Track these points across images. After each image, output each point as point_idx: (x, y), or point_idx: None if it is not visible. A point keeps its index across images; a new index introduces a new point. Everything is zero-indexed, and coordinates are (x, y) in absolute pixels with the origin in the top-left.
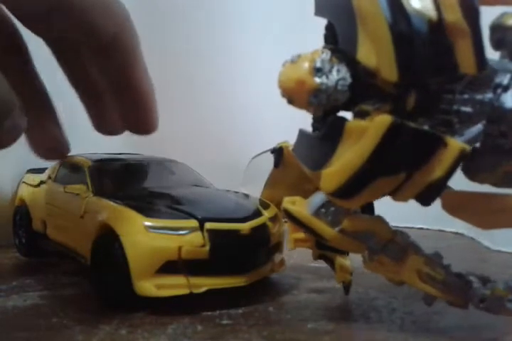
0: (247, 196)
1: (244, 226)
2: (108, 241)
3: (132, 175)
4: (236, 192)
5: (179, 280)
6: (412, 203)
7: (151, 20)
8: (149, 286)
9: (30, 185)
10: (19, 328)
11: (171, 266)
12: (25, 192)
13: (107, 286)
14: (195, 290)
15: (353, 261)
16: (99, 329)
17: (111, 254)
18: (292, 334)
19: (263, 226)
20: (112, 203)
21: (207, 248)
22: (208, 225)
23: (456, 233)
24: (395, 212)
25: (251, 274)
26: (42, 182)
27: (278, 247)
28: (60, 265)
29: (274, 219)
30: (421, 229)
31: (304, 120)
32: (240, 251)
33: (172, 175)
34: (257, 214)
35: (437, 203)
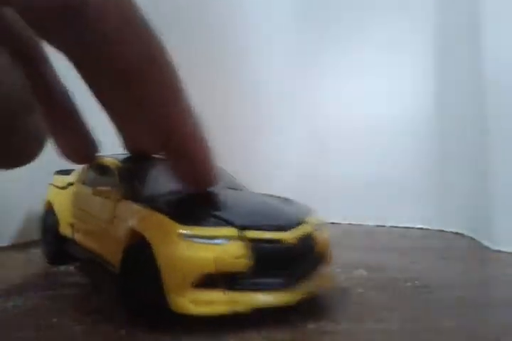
0: (287, 200)
1: (289, 236)
2: (139, 250)
3: (164, 177)
4: (275, 196)
5: (217, 295)
6: (413, 203)
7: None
8: (185, 302)
9: (58, 187)
10: (19, 328)
11: (209, 280)
12: (52, 194)
13: (137, 299)
14: (236, 308)
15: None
16: (99, 329)
17: (142, 265)
18: (292, 334)
19: (308, 235)
20: (143, 208)
21: (246, 259)
22: (248, 234)
23: (456, 233)
24: (395, 212)
25: (298, 290)
26: (70, 184)
27: (325, 258)
28: (59, 265)
29: (319, 226)
30: (421, 229)
31: (309, 123)
32: (283, 263)
33: None
34: (301, 221)
35: (437, 203)
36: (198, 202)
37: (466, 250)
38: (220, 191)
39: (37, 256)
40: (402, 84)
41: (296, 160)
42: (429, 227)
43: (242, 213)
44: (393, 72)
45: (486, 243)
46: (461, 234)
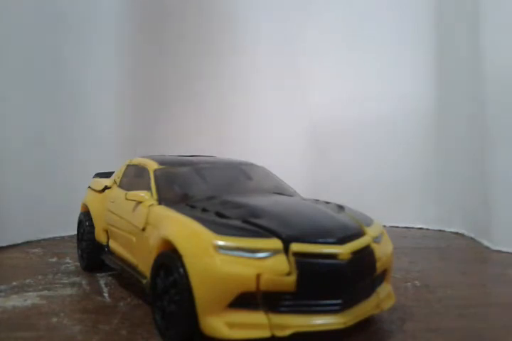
0: (341, 208)
1: (343, 250)
2: (170, 263)
3: (203, 180)
4: (327, 203)
5: (258, 318)
6: (413, 203)
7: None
8: (219, 324)
9: (95, 191)
10: (19, 328)
11: (247, 300)
12: (89, 198)
13: (168, 317)
14: (279, 333)
15: None
16: (99, 329)
17: (173, 280)
18: (293, 334)
19: (366, 250)
20: (176, 214)
21: (293, 277)
22: (295, 247)
23: (456, 233)
24: (395, 212)
25: (351, 313)
26: (106, 188)
27: (384, 276)
28: (59, 265)
29: (379, 238)
30: (421, 229)
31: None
32: (336, 282)
33: (249, 180)
34: (359, 232)
35: (437, 203)
36: (239, 208)
37: (466, 250)
38: (265, 196)
39: (37, 256)
40: (403, 85)
41: (295, 161)
42: (429, 227)
43: (290, 222)
44: (393, 72)
45: (486, 243)
46: (461, 234)
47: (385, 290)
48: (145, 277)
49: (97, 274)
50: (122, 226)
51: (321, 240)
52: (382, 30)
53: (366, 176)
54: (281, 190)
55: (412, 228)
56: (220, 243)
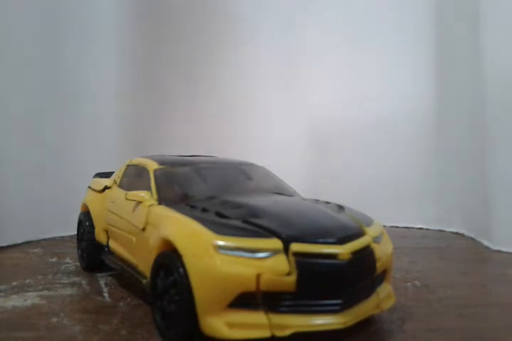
0: (341, 208)
1: (343, 250)
2: (170, 262)
3: (203, 180)
4: (327, 203)
5: (258, 318)
6: (413, 203)
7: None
8: (219, 324)
9: (95, 191)
10: (19, 328)
11: (247, 300)
12: (89, 198)
13: (168, 317)
14: (279, 333)
15: None
16: (99, 329)
17: (173, 280)
18: (293, 334)
19: (367, 250)
20: (176, 214)
21: (293, 277)
22: (295, 247)
23: (456, 233)
24: (395, 212)
25: (351, 313)
26: (106, 188)
27: (384, 276)
28: (59, 265)
29: (379, 238)
30: (421, 229)
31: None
32: (336, 282)
33: (249, 180)
34: (359, 232)
35: (437, 203)
36: (239, 209)
37: (466, 250)
38: (265, 196)
39: (37, 256)
40: (403, 85)
41: (295, 161)
42: (429, 227)
43: (290, 222)
44: (393, 72)
45: (486, 243)
46: (461, 234)
47: (385, 290)
48: (145, 277)
49: (97, 274)
50: (122, 226)
51: (321, 240)
52: (382, 30)
53: (366, 176)
54: (281, 190)
55: (412, 228)
56: (220, 243)
